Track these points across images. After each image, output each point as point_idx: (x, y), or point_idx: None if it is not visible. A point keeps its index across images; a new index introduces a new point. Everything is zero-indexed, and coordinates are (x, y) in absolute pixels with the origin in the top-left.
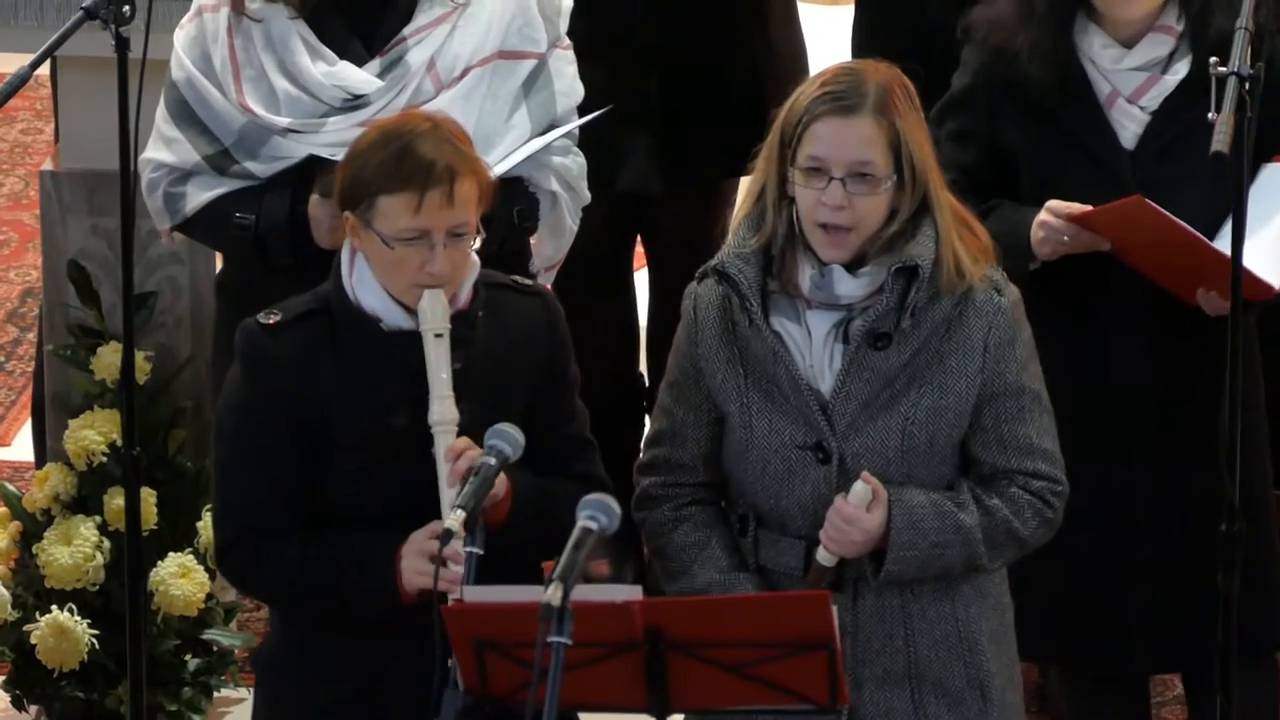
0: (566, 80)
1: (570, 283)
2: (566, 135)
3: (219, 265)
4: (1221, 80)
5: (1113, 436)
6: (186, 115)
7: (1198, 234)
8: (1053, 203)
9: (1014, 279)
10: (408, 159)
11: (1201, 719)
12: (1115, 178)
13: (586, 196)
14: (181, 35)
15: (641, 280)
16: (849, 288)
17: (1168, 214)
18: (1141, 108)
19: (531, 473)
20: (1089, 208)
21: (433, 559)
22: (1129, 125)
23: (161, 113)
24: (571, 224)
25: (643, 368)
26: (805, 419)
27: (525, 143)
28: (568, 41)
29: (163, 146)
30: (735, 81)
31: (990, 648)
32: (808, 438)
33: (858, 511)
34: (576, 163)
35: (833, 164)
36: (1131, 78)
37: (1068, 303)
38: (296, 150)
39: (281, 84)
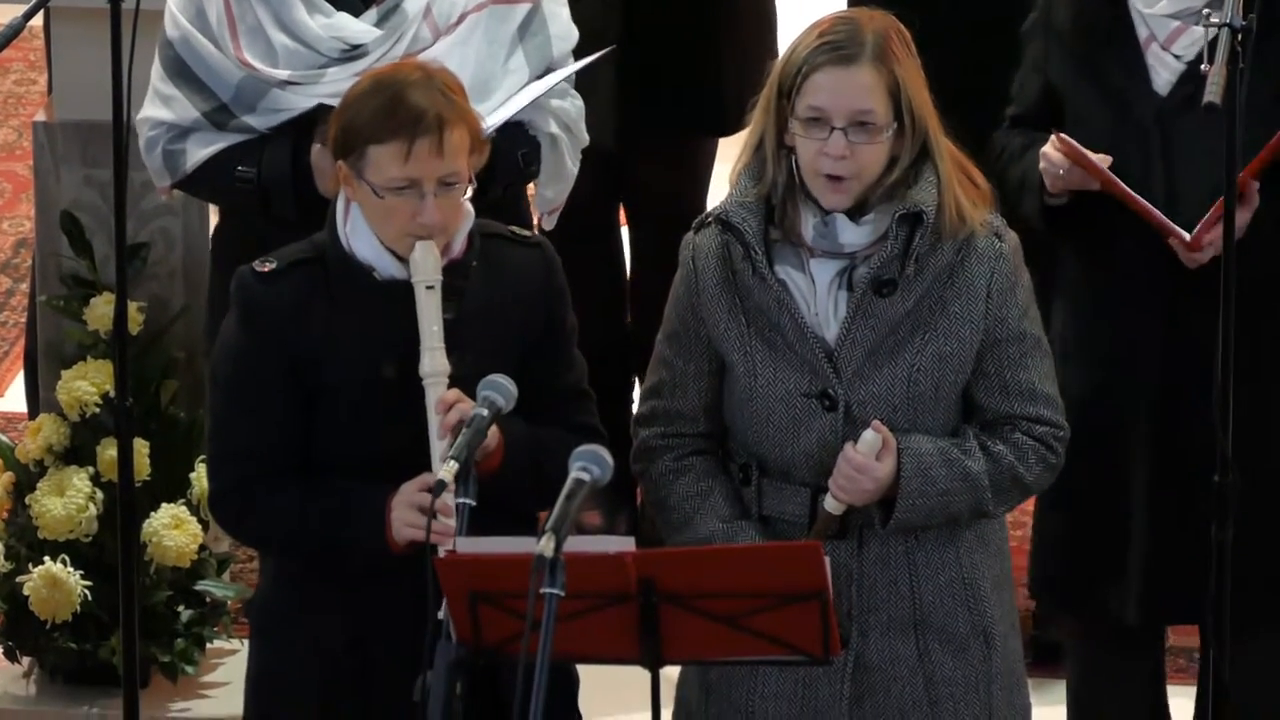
0: (561, 23)
1: (557, 235)
2: (563, 78)
3: (214, 216)
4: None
5: (1122, 385)
6: (183, 72)
7: (1113, 177)
8: (1059, 135)
9: (1014, 226)
10: (397, 108)
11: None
12: (1138, 122)
13: (585, 139)
14: None
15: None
16: (852, 236)
17: (1085, 152)
18: (1176, 56)
19: (529, 423)
20: (1072, 142)
21: (424, 510)
22: (1162, 72)
23: (157, 71)
24: (572, 166)
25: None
26: (810, 367)
27: (522, 88)
28: None
29: (160, 104)
30: (696, 41)
31: (993, 594)
32: (813, 386)
33: (868, 460)
34: (575, 105)
35: (833, 114)
36: (1164, 23)
37: (1084, 250)
38: (296, 103)
39: (279, 37)
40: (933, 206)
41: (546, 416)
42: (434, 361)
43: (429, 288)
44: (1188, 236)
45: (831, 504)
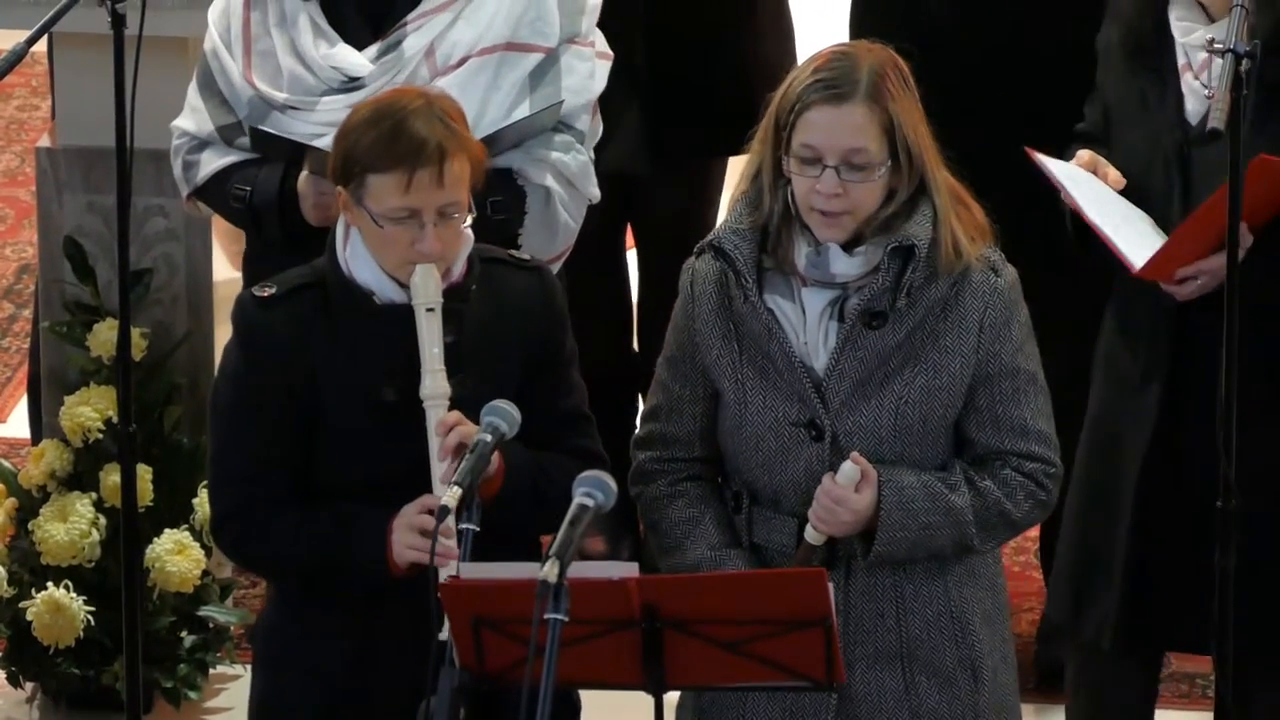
0: (578, 77)
1: (564, 262)
2: (571, 133)
3: (215, 242)
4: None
5: (1127, 407)
6: (209, 85)
7: (1085, 213)
8: (1083, 152)
9: (1013, 260)
10: (398, 138)
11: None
12: (1165, 149)
13: (593, 195)
14: (214, 6)
15: (631, 260)
16: (844, 267)
17: (1048, 169)
18: (1204, 85)
19: (529, 447)
20: (1038, 158)
21: (426, 533)
22: (1192, 100)
23: (193, 82)
24: (569, 221)
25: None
26: (799, 396)
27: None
28: (591, 39)
29: (188, 115)
30: (722, 62)
31: (983, 628)
32: (801, 415)
33: (846, 492)
34: (577, 160)
35: (826, 152)
36: (1198, 52)
37: (1109, 270)
38: (294, 127)
39: (288, 62)
40: (925, 240)
41: (547, 440)
42: (435, 384)
43: (429, 310)
44: (1136, 266)
45: (812, 534)
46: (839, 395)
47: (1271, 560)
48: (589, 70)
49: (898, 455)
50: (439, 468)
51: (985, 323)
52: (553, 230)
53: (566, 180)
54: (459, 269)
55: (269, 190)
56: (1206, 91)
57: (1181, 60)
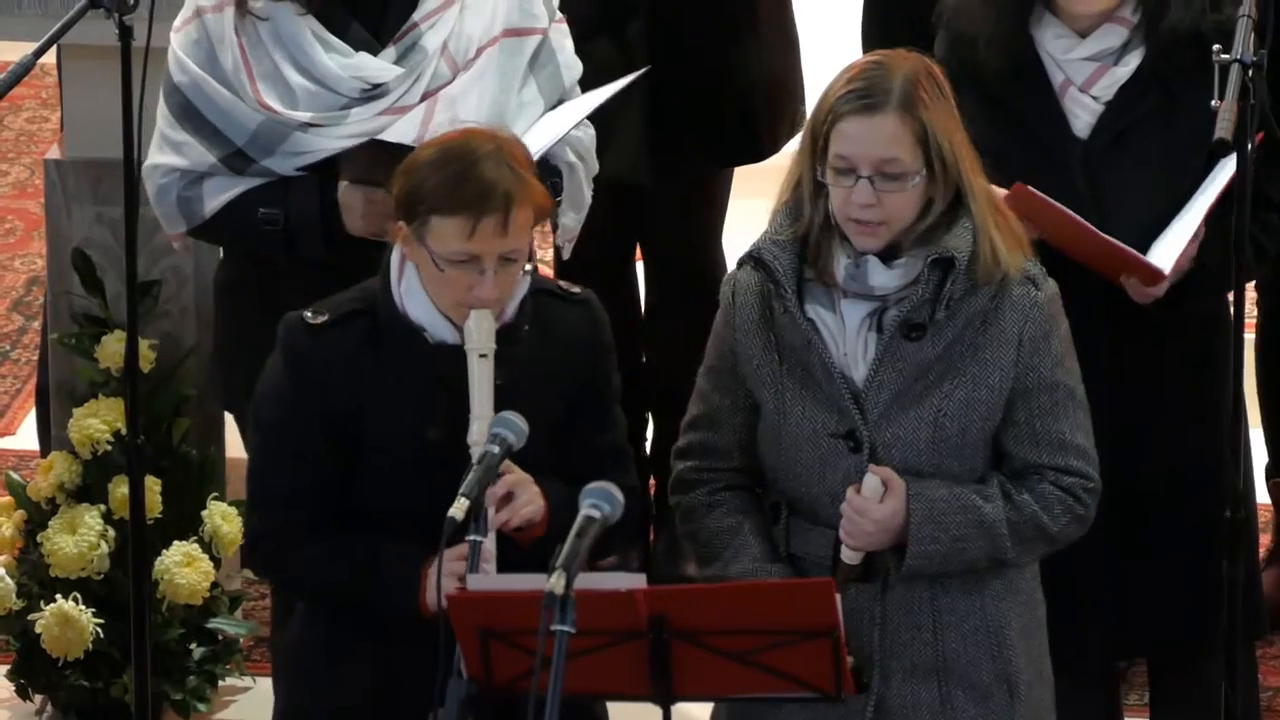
0: (567, 53)
1: (573, 270)
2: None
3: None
4: (1225, 67)
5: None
6: (193, 117)
7: (1082, 220)
8: (1023, 187)
9: (1054, 274)
10: (466, 182)
11: (1166, 700)
12: (1064, 166)
13: (596, 167)
14: (180, 38)
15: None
16: (883, 279)
17: (1052, 201)
18: (1094, 97)
19: (568, 482)
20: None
21: (464, 581)
22: (1081, 114)
23: (165, 117)
24: (588, 194)
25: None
26: (838, 407)
27: (540, 118)
28: (561, 15)
29: (170, 151)
30: (724, 73)
31: (1019, 643)
32: (840, 426)
33: (868, 503)
34: (588, 134)
35: (859, 163)
36: (1083, 67)
37: None
38: (319, 145)
39: (297, 80)
40: (966, 252)
41: (585, 475)
42: (483, 430)
43: (482, 356)
44: (1168, 269)
45: (848, 554)
46: (878, 407)
47: (1178, 554)
48: (572, 46)
49: (935, 467)
50: (488, 514)
51: (1024, 337)
52: (580, 205)
53: (580, 155)
54: (512, 308)
55: (309, 208)
56: (1215, 103)
57: (1059, 78)
